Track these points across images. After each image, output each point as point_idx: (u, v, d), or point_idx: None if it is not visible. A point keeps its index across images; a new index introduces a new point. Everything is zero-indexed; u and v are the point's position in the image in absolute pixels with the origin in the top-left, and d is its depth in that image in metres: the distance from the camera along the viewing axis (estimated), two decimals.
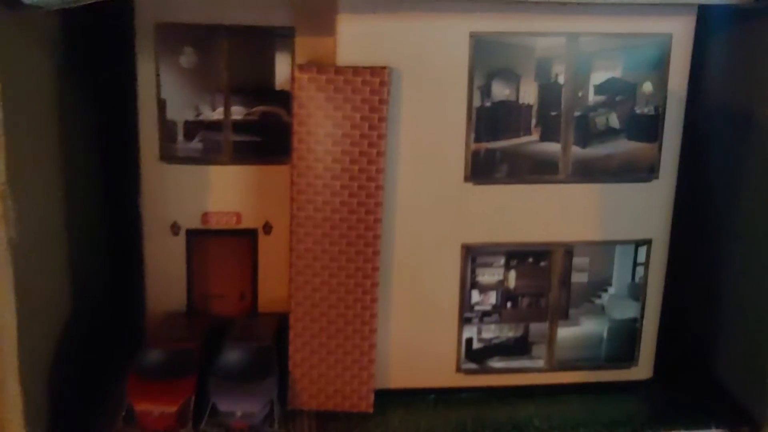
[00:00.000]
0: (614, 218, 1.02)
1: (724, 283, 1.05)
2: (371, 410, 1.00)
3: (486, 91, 0.96)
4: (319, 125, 0.92)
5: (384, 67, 0.93)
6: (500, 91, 0.96)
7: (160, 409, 0.93)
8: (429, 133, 0.96)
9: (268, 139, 1.07)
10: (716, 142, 1.06)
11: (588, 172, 0.99)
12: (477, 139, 0.97)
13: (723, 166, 1.05)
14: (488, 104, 0.96)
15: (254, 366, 0.98)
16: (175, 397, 0.94)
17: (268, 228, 1.10)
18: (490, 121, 0.97)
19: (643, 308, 1.05)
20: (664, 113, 0.99)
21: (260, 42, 1.05)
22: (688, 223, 1.10)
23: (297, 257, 0.96)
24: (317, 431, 0.98)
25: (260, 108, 1.08)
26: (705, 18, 1.00)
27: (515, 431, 0.99)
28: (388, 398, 1.03)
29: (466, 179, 0.98)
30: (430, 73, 0.95)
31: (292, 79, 0.93)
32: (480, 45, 0.95)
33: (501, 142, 0.97)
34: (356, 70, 0.93)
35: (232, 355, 0.99)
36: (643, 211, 1.02)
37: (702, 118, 1.07)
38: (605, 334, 1.05)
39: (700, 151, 1.08)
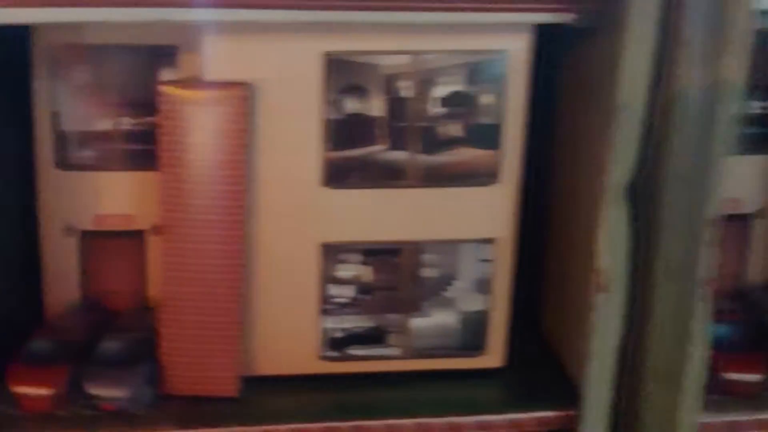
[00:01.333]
0: (460, 219, 1.12)
1: (563, 276, 1.16)
2: (237, 395, 1.10)
3: (338, 105, 1.06)
4: (185, 135, 1.03)
5: (245, 83, 1.04)
6: (352, 104, 1.06)
7: (36, 392, 1.03)
8: (288, 142, 1.07)
9: (156, 148, 1.17)
10: (557, 148, 1.17)
11: (434, 178, 1.10)
12: (331, 148, 1.07)
13: (564, 171, 1.16)
14: (341, 117, 1.06)
15: (129, 354, 1.09)
16: (51, 381, 1.04)
17: (156, 229, 1.20)
18: (343, 131, 1.07)
19: (490, 301, 1.15)
20: (504, 123, 1.09)
21: (147, 59, 1.15)
22: (539, 223, 1.21)
23: (167, 254, 1.06)
24: (186, 414, 1.08)
25: (148, 119, 1.18)
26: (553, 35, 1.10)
27: (370, 412, 1.09)
28: (255, 384, 1.13)
29: (323, 184, 1.08)
30: (288, 88, 1.06)
31: (158, 93, 1.03)
32: (332, 63, 1.05)
33: (354, 151, 1.08)
34: (219, 84, 1.04)
35: (109, 344, 1.09)
36: (486, 212, 1.12)
37: (550, 125, 1.18)
38: (456, 325, 1.15)
39: (548, 156, 1.19)
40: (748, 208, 1.22)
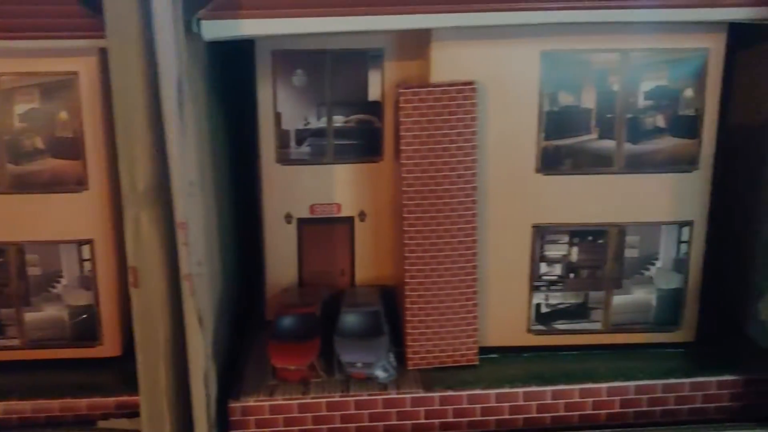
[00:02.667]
0: (58, 224, 1.25)
1: None
2: None
3: None
4: None
5: None
6: None
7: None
8: None
9: None
10: None
11: (24, 186, 1.23)
12: None
13: None
14: None
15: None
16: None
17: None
18: None
19: (96, 297, 1.28)
20: (84, 136, 1.22)
21: None
22: None
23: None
24: None
25: None
26: None
27: None
28: None
29: None
30: None
31: None
32: None
33: None
34: None
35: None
36: (80, 217, 1.25)
37: None
38: (66, 318, 1.28)
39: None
40: (350, 212, 1.31)
